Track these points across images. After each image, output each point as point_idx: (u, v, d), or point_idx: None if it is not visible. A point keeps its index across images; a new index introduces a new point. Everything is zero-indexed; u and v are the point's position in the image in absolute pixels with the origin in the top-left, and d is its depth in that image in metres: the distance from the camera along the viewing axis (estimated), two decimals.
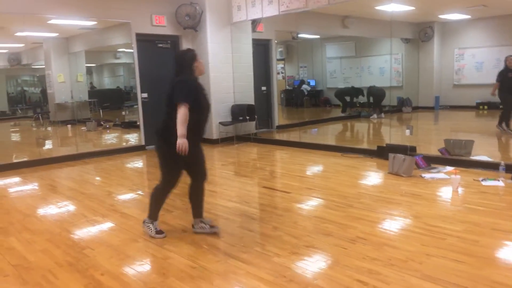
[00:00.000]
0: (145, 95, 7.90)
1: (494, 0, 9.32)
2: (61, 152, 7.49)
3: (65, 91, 8.39)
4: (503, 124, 7.91)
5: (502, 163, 4.80)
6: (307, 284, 2.52)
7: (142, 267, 2.92)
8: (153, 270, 2.86)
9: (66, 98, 8.48)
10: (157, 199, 3.40)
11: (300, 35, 11.74)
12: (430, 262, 2.74)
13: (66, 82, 8.39)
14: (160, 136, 3.22)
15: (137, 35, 7.65)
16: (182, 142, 3.03)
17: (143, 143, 7.92)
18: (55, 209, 4.34)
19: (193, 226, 3.51)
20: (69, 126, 8.75)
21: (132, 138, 8.86)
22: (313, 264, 2.82)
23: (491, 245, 3.03)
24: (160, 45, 8.12)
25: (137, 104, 7.94)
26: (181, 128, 3.03)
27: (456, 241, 3.06)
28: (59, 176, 6.03)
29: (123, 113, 10.80)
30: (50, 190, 5.14)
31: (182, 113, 3.02)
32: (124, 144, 8.80)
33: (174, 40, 8.25)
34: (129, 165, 6.73)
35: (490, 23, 11.81)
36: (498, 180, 4.63)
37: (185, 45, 8.28)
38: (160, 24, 7.85)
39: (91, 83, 10.27)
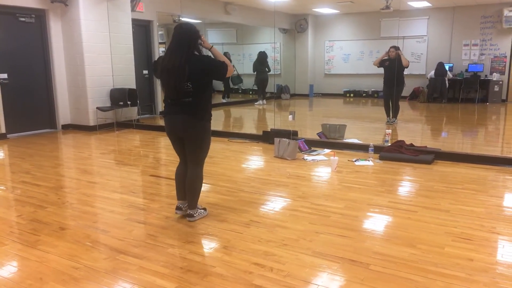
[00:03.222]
0: (4, 75, 6.85)
1: None
2: None
3: None
4: (390, 117, 7.98)
5: (371, 144, 5.36)
6: (206, 273, 2.45)
7: (12, 273, 2.51)
8: (27, 276, 2.48)
9: None
10: (201, 184, 3.31)
11: (182, 19, 11.44)
12: (319, 239, 2.91)
13: None
14: (192, 116, 3.07)
15: None
16: None
17: (3, 131, 6.89)
18: None
19: (182, 212, 3.33)
20: None
21: None
22: (210, 252, 2.76)
23: (368, 219, 3.34)
24: (22, 19, 7.09)
25: None
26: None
27: (339, 217, 3.31)
28: None
29: None
30: None
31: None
32: None
33: (40, 14, 7.28)
34: None
35: (356, 18, 13.05)
36: (368, 160, 5.16)
37: (53, 20, 7.37)
38: None
39: None
